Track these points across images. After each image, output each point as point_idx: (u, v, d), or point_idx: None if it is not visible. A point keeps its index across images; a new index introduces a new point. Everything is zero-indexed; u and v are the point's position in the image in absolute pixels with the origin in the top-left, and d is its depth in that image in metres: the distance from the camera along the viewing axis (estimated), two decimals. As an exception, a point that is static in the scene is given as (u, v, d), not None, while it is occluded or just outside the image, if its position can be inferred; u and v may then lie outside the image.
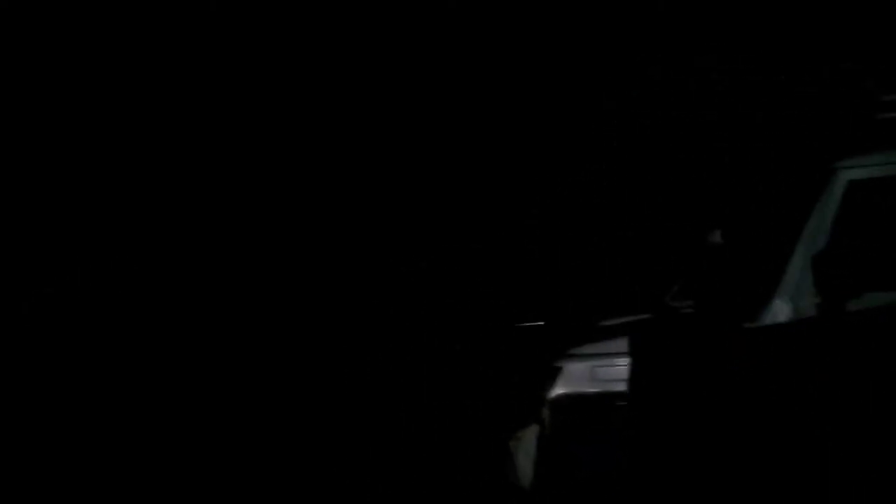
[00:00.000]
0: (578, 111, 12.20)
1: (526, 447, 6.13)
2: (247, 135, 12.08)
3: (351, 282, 12.12)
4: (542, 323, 10.00)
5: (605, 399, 6.51)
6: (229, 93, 12.06)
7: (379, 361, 11.42)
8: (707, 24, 11.74)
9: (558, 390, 6.15)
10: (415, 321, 12.05)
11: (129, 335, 11.65)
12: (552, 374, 6.46)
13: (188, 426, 8.18)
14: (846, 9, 11.28)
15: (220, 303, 11.80)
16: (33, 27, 11.86)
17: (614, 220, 11.97)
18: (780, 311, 5.02)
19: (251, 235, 11.94)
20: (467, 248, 12.53)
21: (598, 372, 6.76)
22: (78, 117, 12.00)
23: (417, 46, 12.15)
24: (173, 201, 12.16)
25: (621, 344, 6.13)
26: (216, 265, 12.01)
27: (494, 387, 8.94)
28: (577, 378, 6.67)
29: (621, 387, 5.90)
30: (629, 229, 11.84)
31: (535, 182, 12.20)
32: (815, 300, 4.96)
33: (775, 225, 5.49)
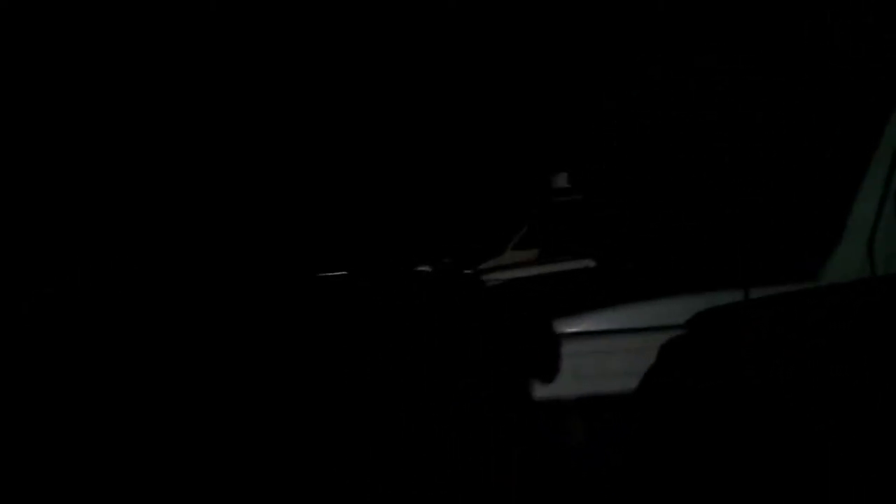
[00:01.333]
0: (578, 111, 12.23)
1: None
2: (241, 135, 12.09)
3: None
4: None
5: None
6: (227, 92, 12.07)
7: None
8: (707, 24, 11.76)
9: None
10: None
11: (129, 335, 11.66)
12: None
13: (188, 425, 8.18)
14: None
15: (218, 301, 11.82)
16: (33, 27, 11.88)
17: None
18: (849, 262, 3.33)
19: (247, 233, 11.96)
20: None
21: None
22: (77, 117, 12.02)
23: (418, 45, 12.17)
24: (172, 201, 12.18)
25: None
26: (215, 264, 12.02)
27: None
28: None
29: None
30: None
31: (534, 181, 12.22)
32: None
33: (838, 144, 3.66)
